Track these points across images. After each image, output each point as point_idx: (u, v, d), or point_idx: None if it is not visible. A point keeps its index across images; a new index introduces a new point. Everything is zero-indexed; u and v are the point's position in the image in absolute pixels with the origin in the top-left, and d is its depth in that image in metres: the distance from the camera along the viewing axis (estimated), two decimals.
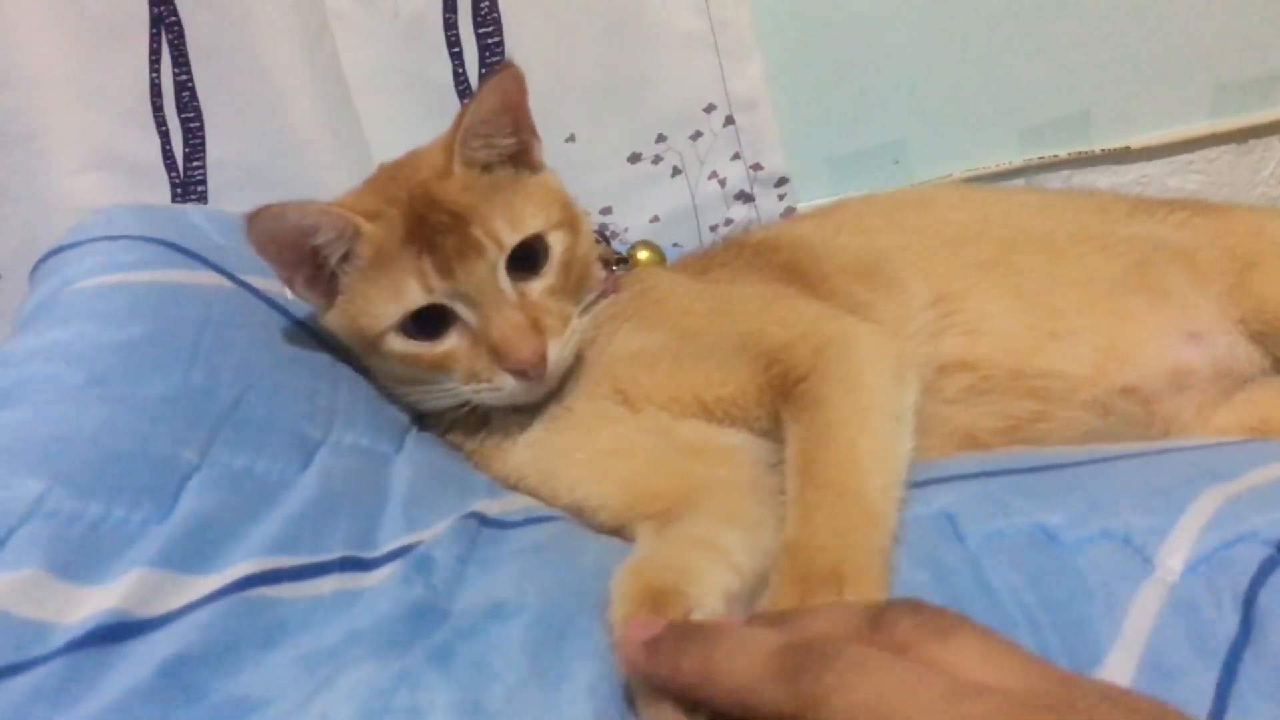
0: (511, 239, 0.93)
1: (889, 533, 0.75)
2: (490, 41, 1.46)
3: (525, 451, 0.97)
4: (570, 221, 0.99)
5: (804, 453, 0.83)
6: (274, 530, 0.75)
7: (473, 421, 0.99)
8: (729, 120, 1.51)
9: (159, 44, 1.43)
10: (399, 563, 0.76)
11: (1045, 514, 0.73)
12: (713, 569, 0.74)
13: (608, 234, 1.18)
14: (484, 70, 1.46)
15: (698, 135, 1.51)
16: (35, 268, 1.01)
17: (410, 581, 0.73)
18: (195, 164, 1.47)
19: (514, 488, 0.96)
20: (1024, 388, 0.97)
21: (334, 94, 1.45)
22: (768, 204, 1.54)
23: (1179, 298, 1.01)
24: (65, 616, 0.62)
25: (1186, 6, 1.51)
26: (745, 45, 1.48)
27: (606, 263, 1.09)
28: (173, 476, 0.75)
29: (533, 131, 1.03)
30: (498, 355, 0.91)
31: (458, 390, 0.94)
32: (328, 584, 0.72)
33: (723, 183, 1.54)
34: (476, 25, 1.45)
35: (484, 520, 0.84)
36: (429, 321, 0.93)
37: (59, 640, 0.61)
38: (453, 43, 1.46)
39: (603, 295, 1.03)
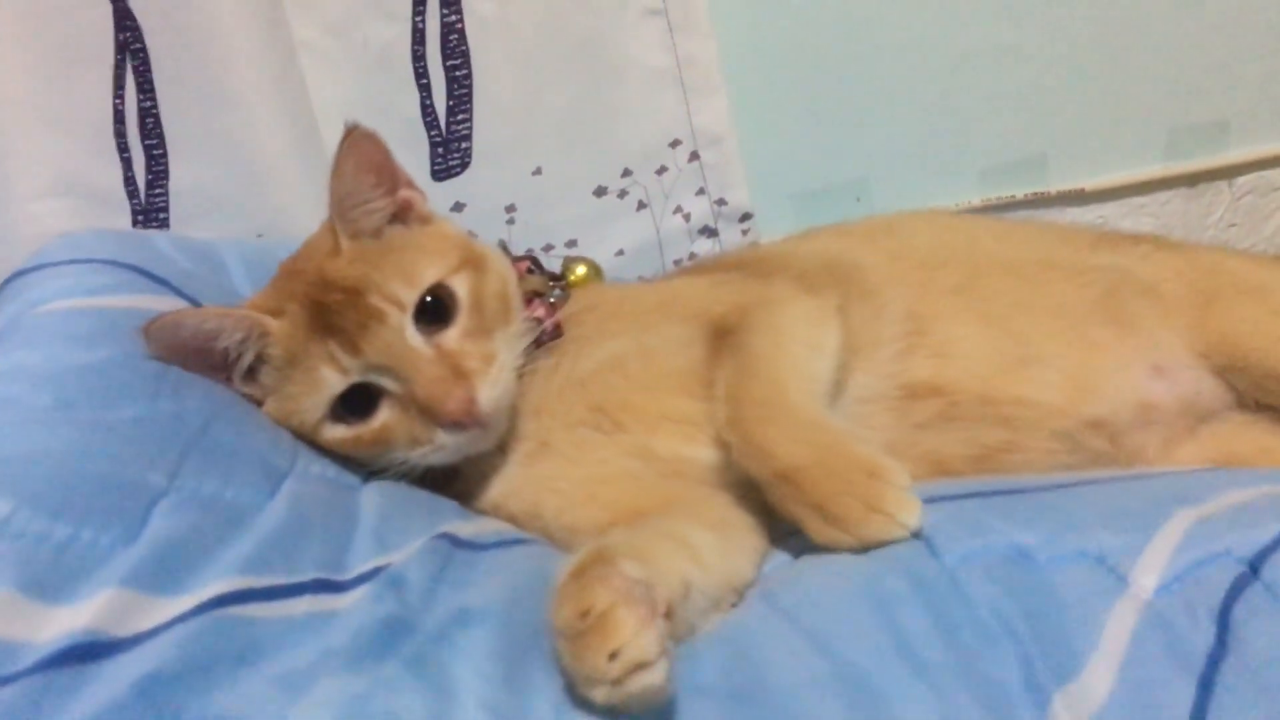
0: (410, 296, 0.92)
1: (847, 432, 0.85)
2: (458, 74, 1.46)
3: (503, 485, 0.96)
4: (472, 261, 0.98)
5: (729, 383, 0.90)
6: (245, 552, 0.73)
7: (440, 474, 0.97)
8: (694, 155, 1.52)
9: (123, 70, 1.42)
10: (371, 584, 0.75)
11: (1020, 534, 0.74)
12: (674, 556, 0.75)
13: (536, 258, 1.16)
14: (451, 103, 1.47)
15: (663, 170, 1.53)
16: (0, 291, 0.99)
17: (382, 599, 0.72)
18: (157, 191, 1.45)
19: (490, 516, 0.95)
20: (993, 415, 0.97)
21: (301, 124, 1.44)
22: (731, 239, 1.56)
23: (1146, 331, 1.02)
24: (36, 635, 0.61)
25: (1140, 54, 1.56)
26: (711, 82, 1.49)
27: (539, 294, 1.08)
28: (141, 500, 0.74)
29: (409, 184, 1.02)
30: (428, 413, 0.90)
31: (406, 459, 0.93)
32: (300, 605, 0.71)
33: (687, 217, 1.55)
34: (445, 58, 1.46)
35: (456, 542, 0.84)
36: (358, 402, 0.92)
37: (29, 659, 0.59)
38: (420, 75, 1.46)
39: (545, 333, 1.02)
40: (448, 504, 0.95)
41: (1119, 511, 0.75)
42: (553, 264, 1.20)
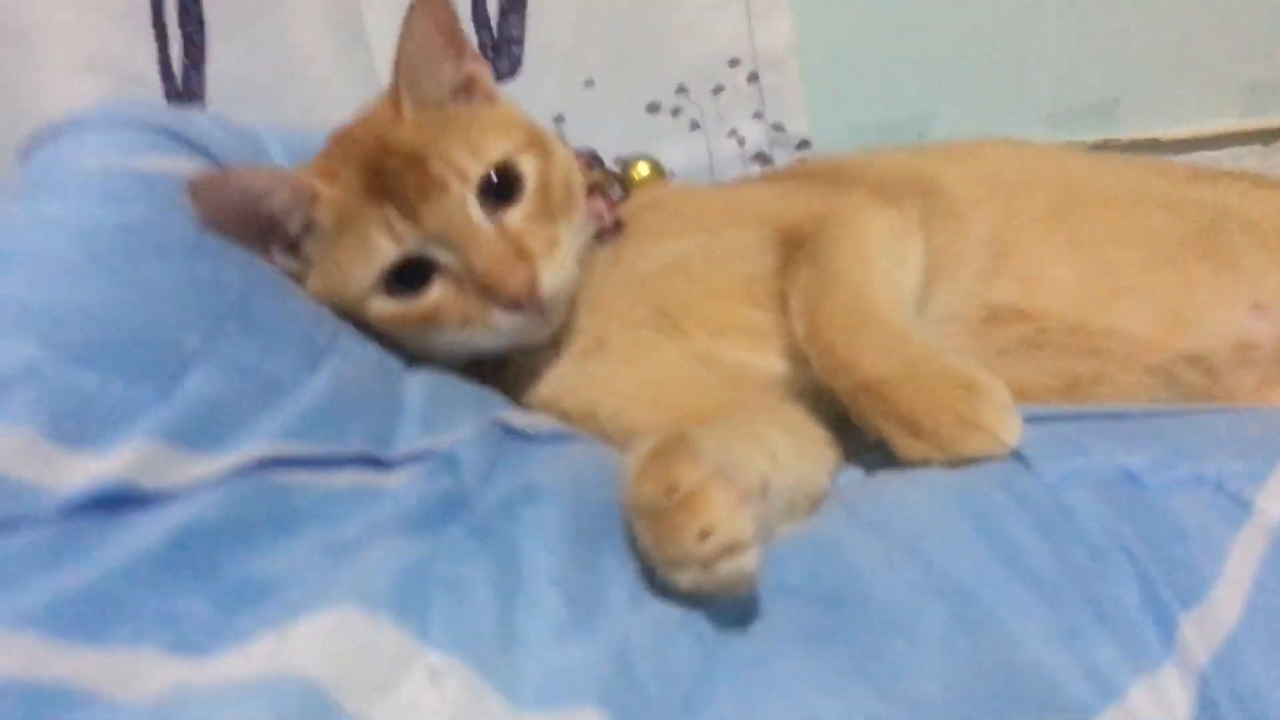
0: (476, 168, 0.87)
1: (939, 346, 0.81)
2: None
3: (555, 382, 0.91)
4: (538, 144, 0.93)
5: (808, 294, 0.86)
6: (285, 419, 0.68)
7: (487, 366, 0.92)
8: (753, 77, 1.45)
9: None
10: (421, 464, 0.69)
11: (1126, 456, 0.69)
12: (751, 452, 0.70)
13: (596, 154, 1.10)
14: (504, 3, 1.41)
15: (719, 90, 1.46)
16: (29, 144, 0.93)
17: (435, 476, 0.67)
18: (194, 76, 1.39)
19: (539, 411, 0.90)
20: (1083, 345, 0.92)
21: (344, 12, 1.38)
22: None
23: (1246, 267, 0.96)
24: (59, 479, 0.56)
25: (1222, 3, 1.49)
26: (776, 0, 1.43)
27: (602, 188, 1.02)
28: (175, 359, 0.68)
29: (476, 57, 0.96)
30: (486, 291, 0.84)
31: (454, 341, 0.88)
32: (344, 478, 0.66)
33: (741, 141, 1.49)
34: None
35: (508, 430, 0.78)
36: (410, 276, 0.86)
37: (50, 502, 0.54)
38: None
39: (606, 229, 0.97)
40: (495, 396, 0.89)
41: (1235, 439, 0.70)
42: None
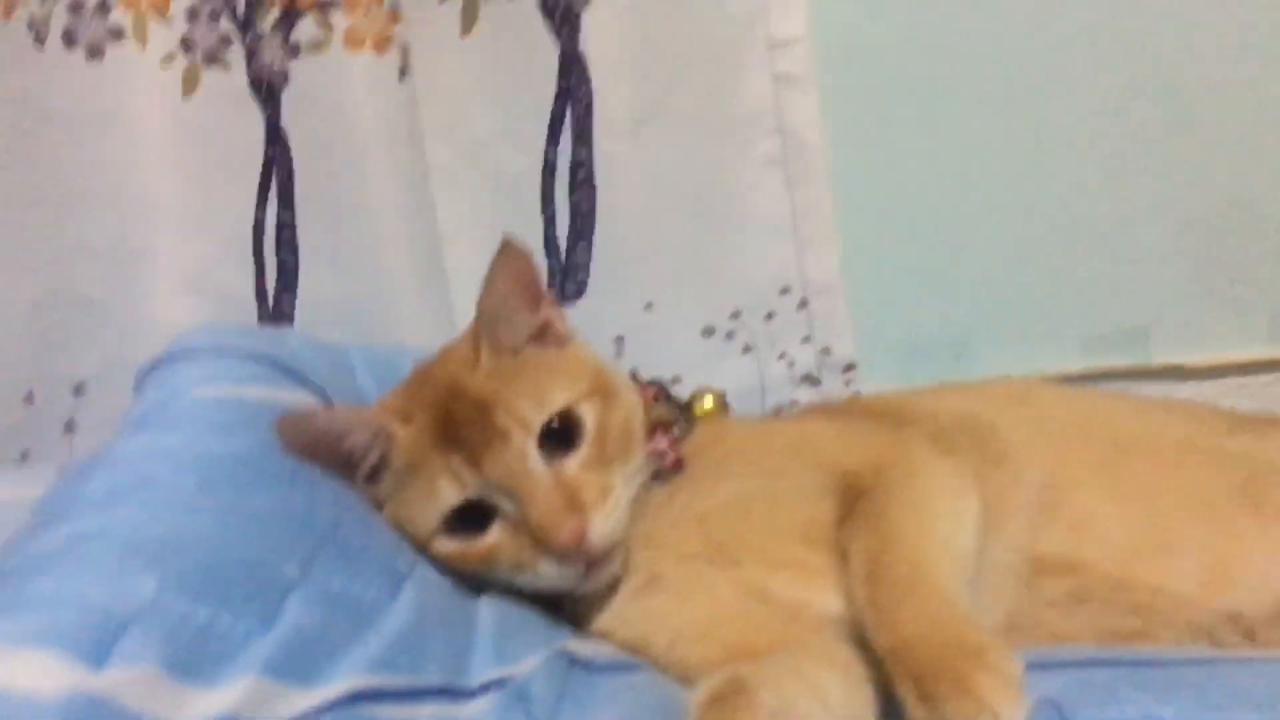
0: (537, 418, 0.91)
1: (977, 619, 0.79)
2: (583, 208, 1.51)
3: (612, 616, 0.94)
4: (602, 390, 0.97)
5: (868, 559, 0.85)
6: (373, 650, 0.74)
7: (551, 595, 0.96)
8: (803, 303, 1.55)
9: (268, 182, 1.49)
10: (496, 694, 0.75)
11: (1158, 707, 0.71)
12: (802, 693, 0.73)
13: (665, 385, 1.16)
14: (573, 234, 1.52)
15: (771, 315, 1.55)
16: (144, 374, 1.03)
17: (509, 711, 0.72)
18: (286, 300, 1.51)
19: (599, 639, 0.94)
20: (1127, 601, 0.93)
21: (426, 244, 1.51)
22: (834, 389, 1.57)
23: None
24: (178, 714, 0.62)
25: (1249, 234, 1.56)
26: (824, 233, 1.53)
27: (665, 425, 1.06)
28: (277, 589, 0.75)
29: (552, 303, 1.03)
30: (538, 541, 0.89)
31: (509, 581, 0.93)
32: (426, 710, 0.72)
33: (791, 364, 1.57)
34: (572, 191, 1.52)
35: (573, 660, 0.84)
36: (471, 518, 0.92)
37: None
38: (546, 204, 1.52)
39: (665, 465, 1.01)
40: (560, 622, 0.94)
41: (1263, 695, 0.73)
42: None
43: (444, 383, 0.96)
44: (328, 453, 0.93)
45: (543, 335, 1.01)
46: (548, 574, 0.90)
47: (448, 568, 0.94)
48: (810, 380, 1.57)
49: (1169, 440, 1.07)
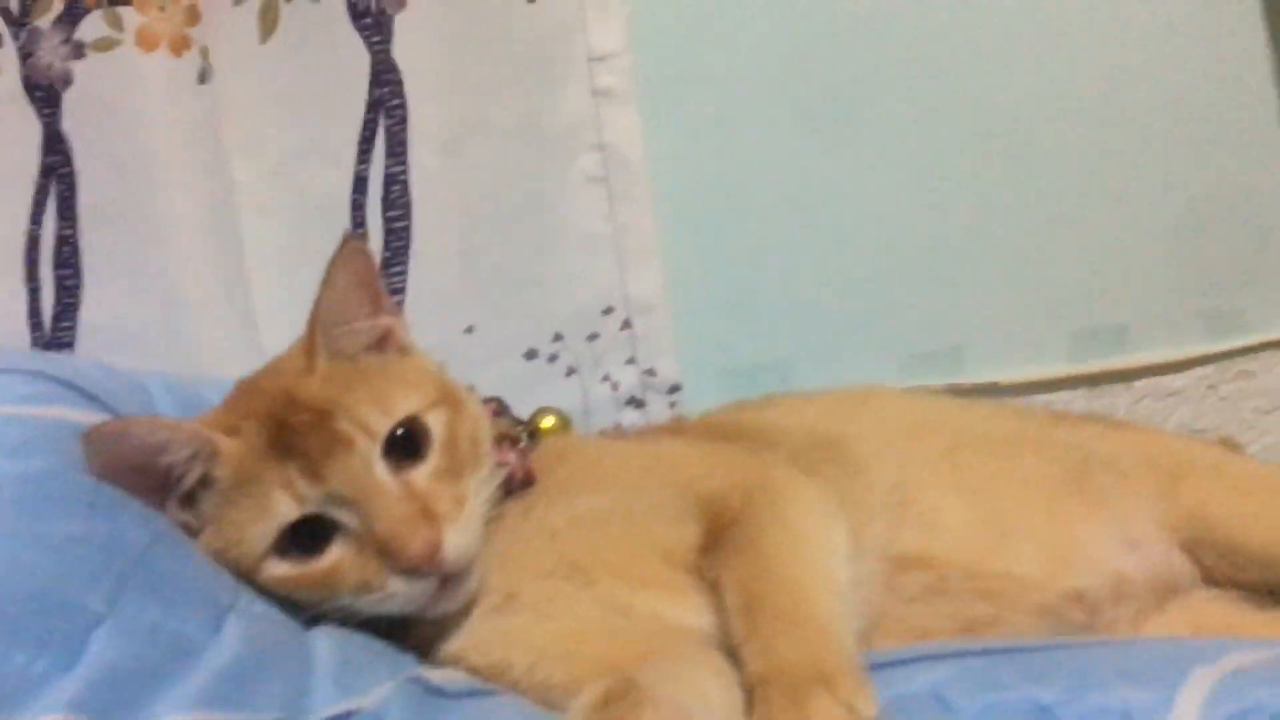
0: (382, 425, 0.85)
1: (851, 650, 0.77)
2: (397, 225, 1.44)
3: (465, 639, 0.87)
4: (448, 398, 0.92)
5: (745, 590, 0.82)
6: (200, 685, 0.66)
7: (393, 623, 0.87)
8: (626, 324, 1.51)
9: (45, 194, 1.35)
10: None
11: (1038, 689, 0.71)
12: (690, 695, 0.70)
13: (504, 402, 1.11)
14: (388, 254, 1.44)
15: (594, 336, 1.51)
16: None
17: None
18: (65, 324, 1.36)
19: (450, 666, 0.86)
20: (979, 589, 0.95)
21: (229, 266, 1.40)
22: (659, 410, 1.53)
23: (1115, 504, 1.02)
24: None
25: (1049, 256, 1.63)
26: (646, 249, 1.51)
27: (511, 439, 1.01)
28: (78, 623, 0.67)
29: (393, 311, 0.97)
30: (387, 554, 0.81)
31: (351, 605, 0.83)
32: None
33: (615, 386, 1.53)
34: (385, 208, 1.44)
35: (428, 688, 0.76)
36: (307, 536, 0.83)
37: None
38: (358, 224, 1.44)
39: (514, 479, 0.95)
40: (404, 652, 0.86)
41: (1135, 668, 0.73)
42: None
43: (275, 393, 0.87)
44: (139, 471, 0.83)
45: (383, 343, 0.94)
46: (398, 593, 0.81)
47: (279, 595, 0.84)
48: (635, 402, 1.53)
49: (1000, 435, 1.11)
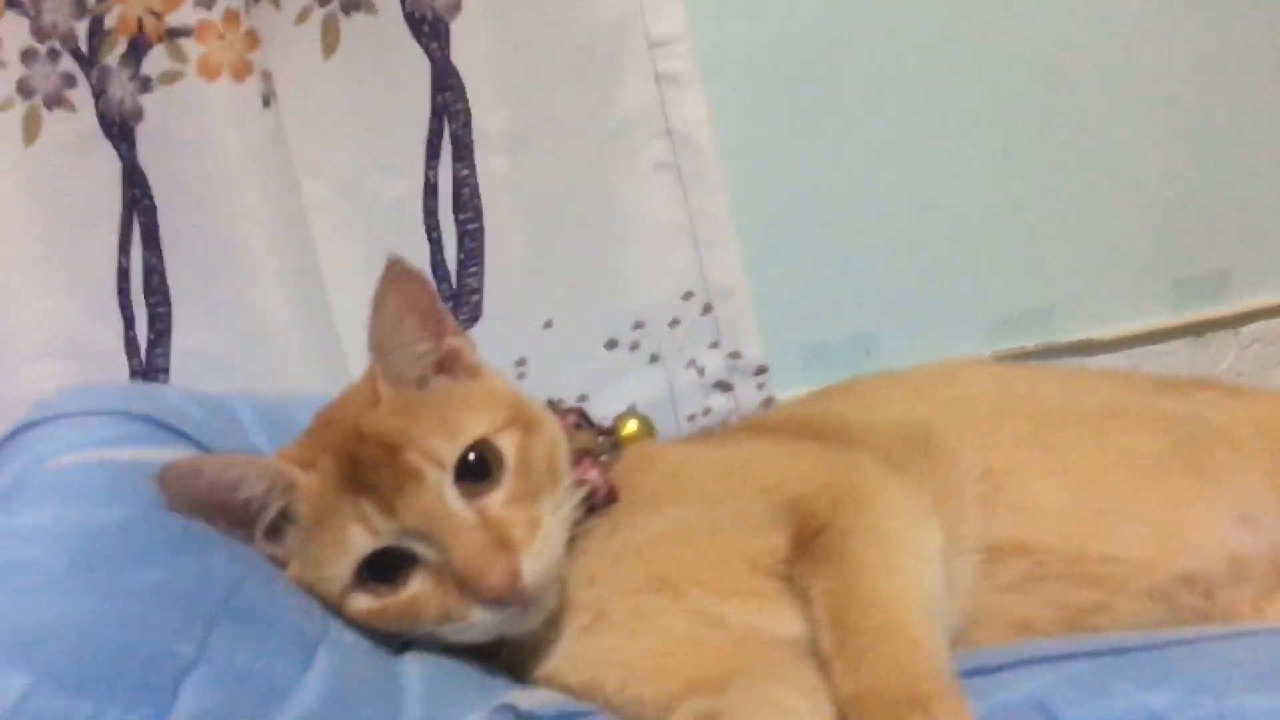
0: (451, 454, 0.83)
1: (946, 668, 0.73)
2: (470, 228, 1.45)
3: (557, 660, 0.87)
4: (522, 420, 0.89)
5: (834, 604, 0.80)
6: None
7: (484, 646, 0.87)
8: (707, 308, 1.50)
9: (130, 227, 1.39)
10: None
11: (1147, 695, 0.68)
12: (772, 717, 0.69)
13: (585, 412, 1.09)
14: (462, 256, 1.45)
15: (675, 323, 1.51)
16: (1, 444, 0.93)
17: None
18: (159, 351, 1.41)
19: (542, 686, 0.87)
20: (1082, 574, 0.91)
21: (308, 284, 1.42)
22: (746, 393, 1.53)
23: (1228, 478, 0.96)
24: None
25: (1140, 206, 1.58)
26: (722, 234, 1.49)
27: (591, 453, 0.99)
28: (169, 672, 0.67)
29: (456, 332, 0.94)
30: (467, 587, 0.80)
31: (437, 634, 0.83)
32: None
33: (701, 371, 1.52)
34: (456, 212, 1.45)
35: (519, 714, 0.76)
36: (388, 568, 0.83)
37: None
38: (431, 229, 1.45)
39: (598, 495, 0.93)
40: (496, 674, 0.87)
41: (1249, 669, 0.70)
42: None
43: (345, 426, 0.87)
44: (220, 506, 0.83)
45: (450, 366, 0.92)
46: (480, 622, 0.81)
47: (366, 628, 0.84)
48: (722, 386, 1.52)
49: (1096, 407, 1.05)
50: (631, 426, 1.10)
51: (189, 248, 1.40)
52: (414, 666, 0.82)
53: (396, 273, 0.87)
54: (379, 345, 0.88)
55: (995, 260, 1.58)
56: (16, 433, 0.93)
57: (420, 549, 0.82)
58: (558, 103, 1.45)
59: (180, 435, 0.95)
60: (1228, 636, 0.83)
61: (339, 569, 0.83)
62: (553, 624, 0.87)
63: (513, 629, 0.84)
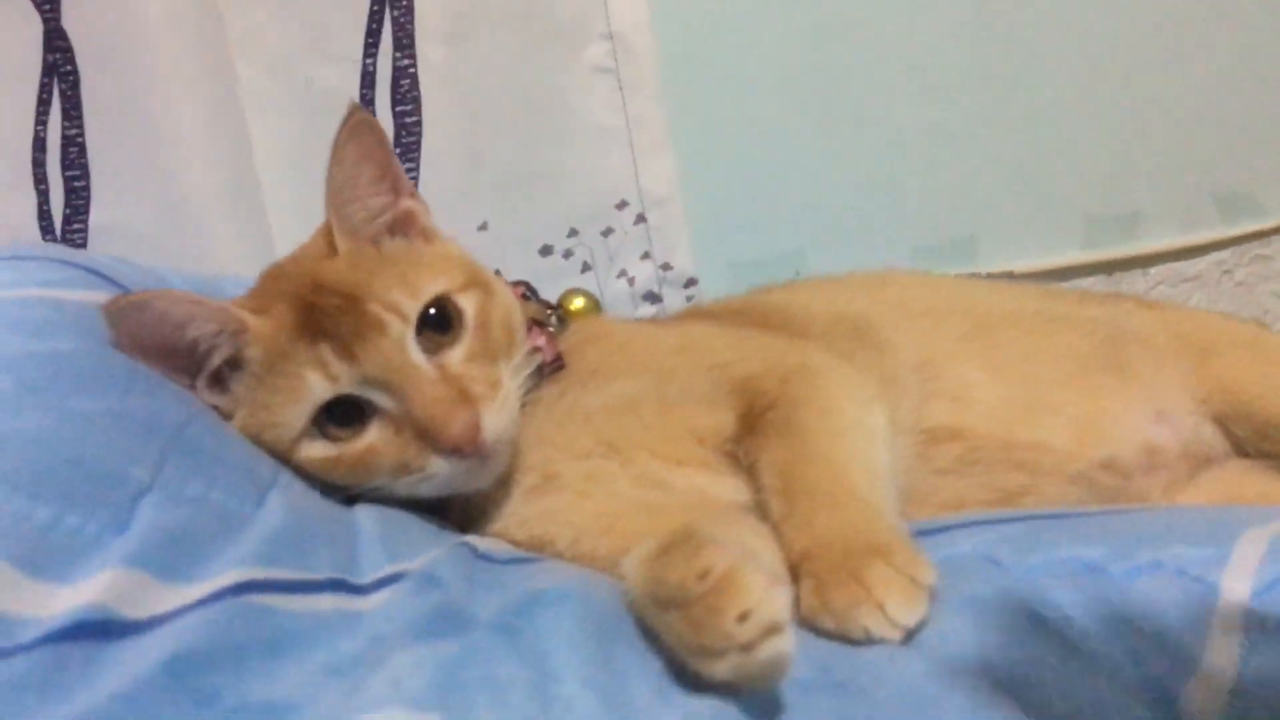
0: (413, 308, 0.83)
1: (901, 525, 0.75)
2: (408, 121, 1.42)
3: (506, 519, 0.87)
4: (479, 282, 0.90)
5: (784, 471, 0.81)
6: (252, 547, 0.65)
7: (433, 504, 0.88)
8: (640, 218, 1.50)
9: (49, 94, 1.32)
10: (397, 586, 0.67)
11: (1085, 549, 0.70)
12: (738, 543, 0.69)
13: (530, 285, 1.09)
14: (398, 150, 1.42)
15: (609, 231, 1.50)
16: None
17: (423, 593, 0.65)
18: (76, 226, 1.35)
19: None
20: (1013, 459, 0.95)
21: (237, 165, 1.37)
22: (675, 304, 1.53)
23: (1146, 377, 1.02)
24: (39, 610, 0.53)
25: (1060, 143, 1.62)
26: (658, 142, 1.49)
27: (540, 323, 1.00)
28: (125, 491, 0.65)
29: (412, 194, 0.94)
30: (427, 437, 0.80)
31: (390, 486, 0.83)
32: (324, 602, 0.63)
33: (631, 281, 1.52)
34: (394, 103, 1.42)
35: (475, 552, 0.76)
36: (343, 419, 0.82)
37: (35, 632, 0.51)
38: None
39: (547, 364, 0.94)
40: (444, 528, 0.86)
41: (1184, 529, 0.72)
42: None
43: (301, 277, 0.86)
44: (166, 346, 0.81)
45: (404, 229, 0.92)
46: (438, 473, 0.81)
47: (317, 477, 0.83)
48: (651, 297, 1.52)
49: (1027, 311, 1.10)
50: (578, 303, 1.10)
51: (111, 119, 1.34)
52: (366, 514, 0.81)
53: (356, 121, 0.86)
54: (336, 195, 0.87)
55: (924, 187, 1.60)
56: None
57: (379, 399, 0.81)
58: None
59: (119, 286, 0.92)
60: (1149, 509, 0.87)
61: (293, 415, 0.82)
62: (502, 484, 0.87)
63: (468, 484, 0.84)
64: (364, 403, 0.82)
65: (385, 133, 0.90)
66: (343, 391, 0.81)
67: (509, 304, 0.93)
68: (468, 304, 0.87)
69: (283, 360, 0.82)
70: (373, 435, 0.82)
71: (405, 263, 0.88)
